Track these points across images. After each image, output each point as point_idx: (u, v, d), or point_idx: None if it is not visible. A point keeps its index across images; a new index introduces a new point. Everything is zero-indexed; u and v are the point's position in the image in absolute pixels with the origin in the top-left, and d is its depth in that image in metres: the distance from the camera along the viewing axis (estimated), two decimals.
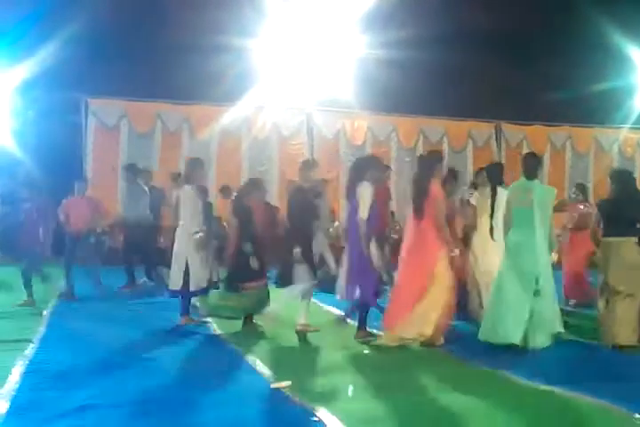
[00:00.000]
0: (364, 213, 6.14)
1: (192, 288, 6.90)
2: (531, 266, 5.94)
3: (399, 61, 14.45)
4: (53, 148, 13.03)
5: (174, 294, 7.06)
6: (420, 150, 16.29)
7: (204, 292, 7.04)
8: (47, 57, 12.43)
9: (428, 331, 5.95)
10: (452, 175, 7.54)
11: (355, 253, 6.26)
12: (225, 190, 12.11)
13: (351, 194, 6.34)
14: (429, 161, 6.42)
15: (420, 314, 5.94)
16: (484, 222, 6.90)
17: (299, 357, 5.92)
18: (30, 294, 8.40)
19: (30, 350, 5.75)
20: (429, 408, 4.29)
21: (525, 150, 16.85)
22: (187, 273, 6.86)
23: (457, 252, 6.30)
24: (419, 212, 6.12)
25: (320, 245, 6.93)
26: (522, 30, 16.02)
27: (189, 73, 13.86)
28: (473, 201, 7.22)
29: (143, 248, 9.57)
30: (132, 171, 9.98)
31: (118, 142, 14.40)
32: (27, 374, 4.93)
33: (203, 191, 7.21)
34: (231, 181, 13.93)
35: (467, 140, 16.97)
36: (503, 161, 16.86)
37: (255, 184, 7.36)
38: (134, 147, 14.48)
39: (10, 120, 13.46)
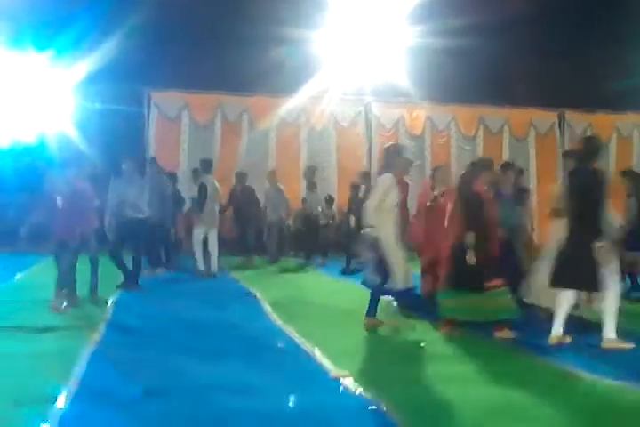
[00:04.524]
0: None
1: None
2: None
3: (457, 50, 14.19)
4: (117, 139, 13.32)
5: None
6: (481, 139, 16.13)
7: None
8: (110, 50, 12.70)
9: None
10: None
11: None
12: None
13: None
14: None
15: None
16: None
17: (361, 346, 5.88)
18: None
19: (97, 336, 5.85)
20: (489, 401, 4.20)
21: None
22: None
23: None
24: None
25: None
26: (584, 15, 15.53)
27: (249, 64, 13.97)
28: None
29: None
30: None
31: (179, 133, 14.68)
32: (93, 360, 5.03)
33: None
34: (289, 170, 14.10)
35: (529, 128, 16.64)
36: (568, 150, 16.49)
37: (485, 165, 6.28)
38: (195, 137, 14.75)
39: (75, 112, 13.81)
